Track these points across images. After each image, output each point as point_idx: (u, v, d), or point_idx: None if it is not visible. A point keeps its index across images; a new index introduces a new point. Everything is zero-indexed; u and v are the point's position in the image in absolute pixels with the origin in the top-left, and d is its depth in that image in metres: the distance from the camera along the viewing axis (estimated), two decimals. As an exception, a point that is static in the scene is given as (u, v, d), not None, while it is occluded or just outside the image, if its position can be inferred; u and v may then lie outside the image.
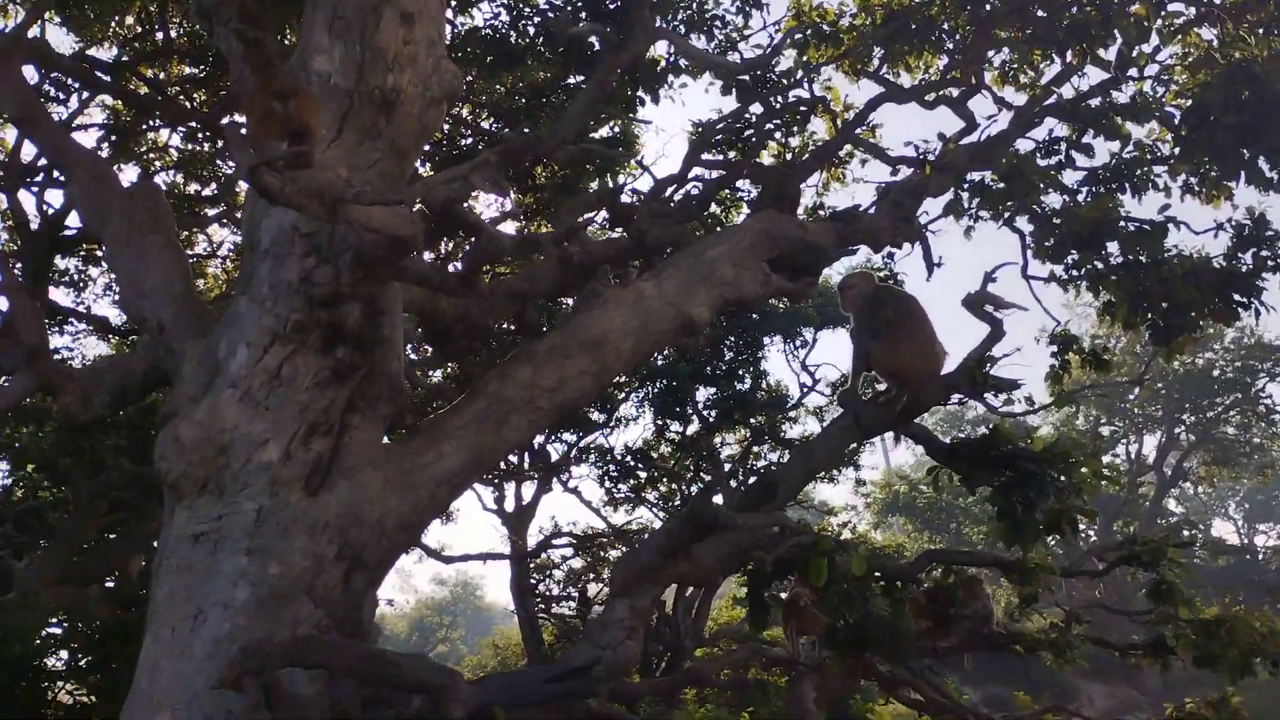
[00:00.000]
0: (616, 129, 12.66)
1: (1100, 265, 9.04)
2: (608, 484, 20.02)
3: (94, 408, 5.88)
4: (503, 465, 20.47)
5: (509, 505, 21.08)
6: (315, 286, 5.43)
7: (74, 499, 12.67)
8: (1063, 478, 5.12)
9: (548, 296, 7.54)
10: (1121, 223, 8.92)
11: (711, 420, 19.32)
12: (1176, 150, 8.89)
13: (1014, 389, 5.77)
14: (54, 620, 10.50)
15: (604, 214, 10.57)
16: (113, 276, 12.52)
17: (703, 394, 19.34)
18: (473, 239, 5.84)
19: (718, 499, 20.01)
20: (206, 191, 13.73)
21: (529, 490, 21.11)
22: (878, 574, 6.20)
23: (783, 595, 7.43)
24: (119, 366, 6.17)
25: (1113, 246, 8.99)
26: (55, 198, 12.49)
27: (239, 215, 13.83)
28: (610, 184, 11.17)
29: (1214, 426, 34.65)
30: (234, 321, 5.75)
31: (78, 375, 5.98)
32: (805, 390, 20.04)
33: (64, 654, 9.89)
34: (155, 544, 12.05)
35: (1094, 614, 8.95)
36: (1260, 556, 42.43)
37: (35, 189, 11.87)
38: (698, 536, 4.93)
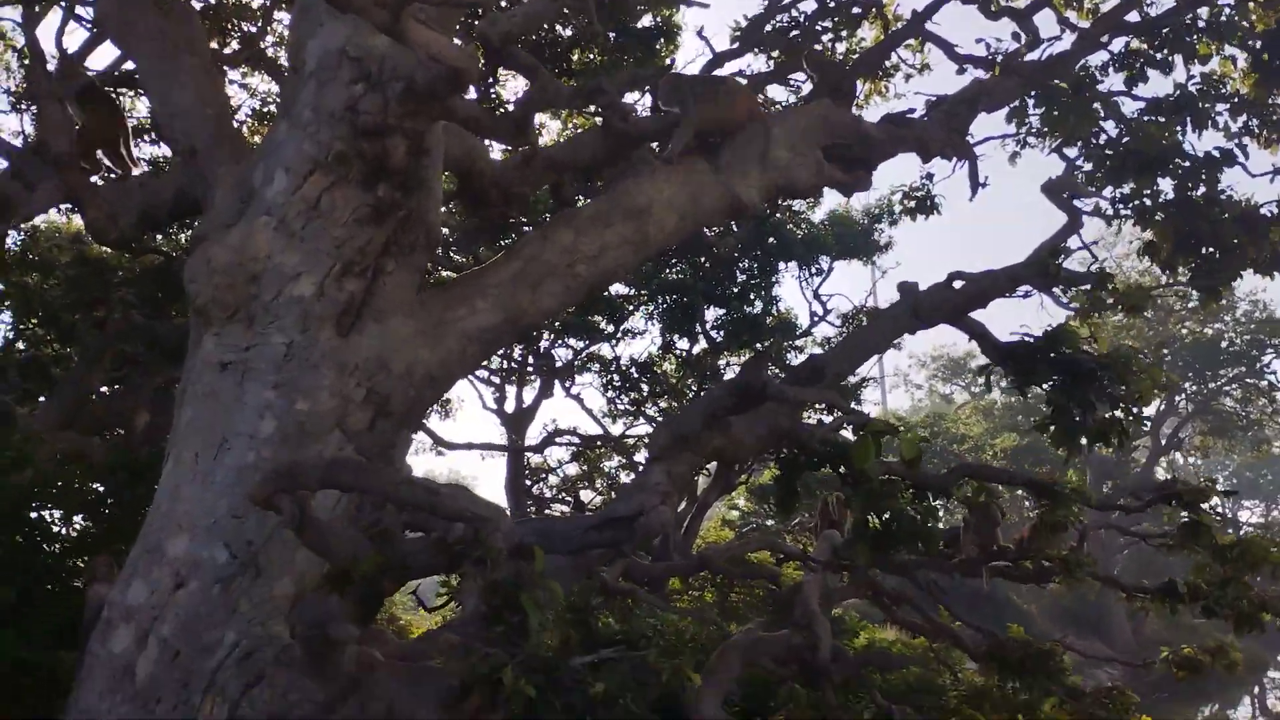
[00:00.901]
0: (658, 19, 12.24)
1: (1150, 201, 8.80)
2: (610, 394, 19.92)
3: (120, 228, 5.68)
4: (505, 365, 20.39)
5: (509, 406, 21.02)
6: (361, 115, 5.19)
7: (80, 351, 12.52)
8: (1122, 386, 4.98)
9: (588, 169, 7.29)
10: (1179, 158, 8.65)
11: (719, 341, 19.16)
12: (1247, 84, 8.57)
13: (1089, 283, 5.57)
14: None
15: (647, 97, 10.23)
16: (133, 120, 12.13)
17: (712, 314, 19.14)
18: (529, 82, 5.57)
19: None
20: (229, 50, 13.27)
21: (530, 394, 21.04)
22: (907, 483, 6.10)
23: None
24: (148, 188, 5.96)
25: (1165, 184, 8.76)
26: (73, 41, 12.05)
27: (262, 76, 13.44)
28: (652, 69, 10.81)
29: (1214, 398, 34.67)
30: (272, 147, 5.52)
31: (105, 192, 5.76)
32: (815, 319, 19.88)
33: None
34: (160, 398, 11.95)
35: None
36: (1241, 532, 42.95)
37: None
38: (741, 407, 4.80)
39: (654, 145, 6.77)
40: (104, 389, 12.95)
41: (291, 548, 5.39)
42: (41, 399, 13.28)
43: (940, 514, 6.24)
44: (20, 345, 14.96)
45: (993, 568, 7.81)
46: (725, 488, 21.84)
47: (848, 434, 5.54)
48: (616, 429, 20.55)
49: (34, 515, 7.37)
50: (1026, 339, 5.41)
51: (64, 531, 7.55)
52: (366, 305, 5.57)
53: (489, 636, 3.47)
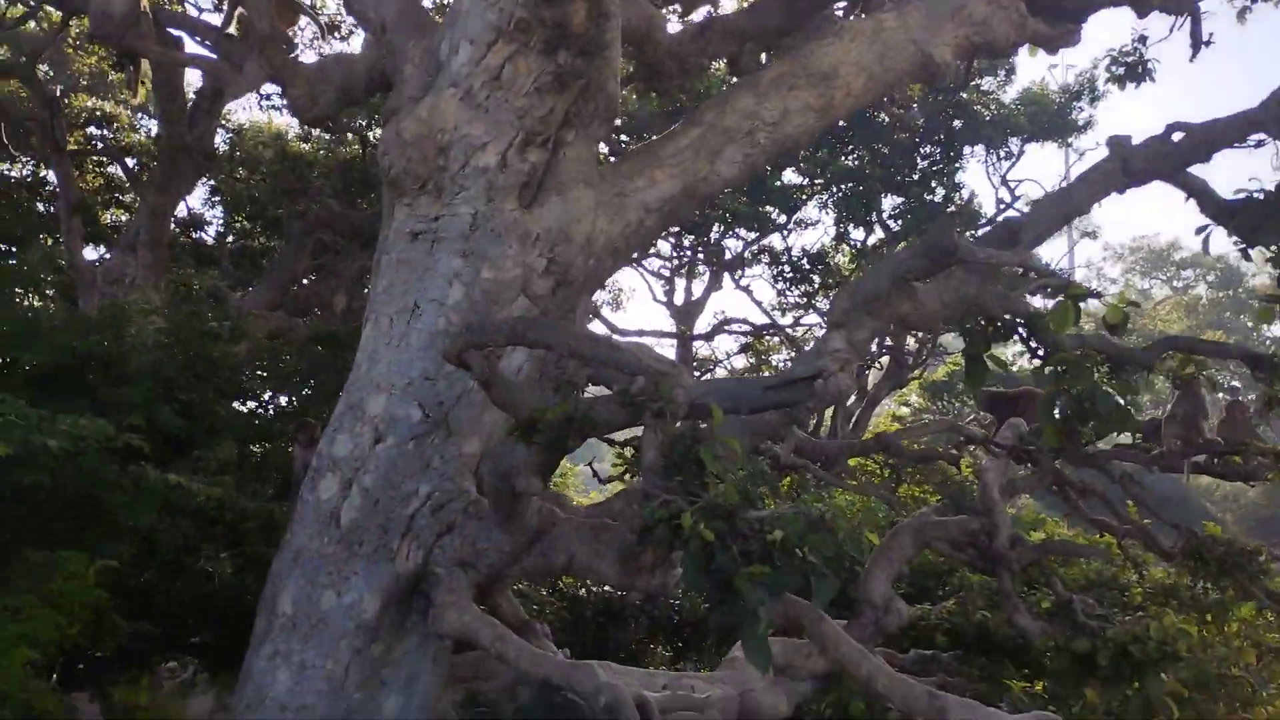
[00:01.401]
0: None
1: None
2: (780, 286, 19.64)
3: (320, 104, 5.94)
4: (676, 256, 20.42)
5: (678, 299, 21.14)
6: (542, -21, 5.16)
7: (285, 239, 13.41)
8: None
9: (768, 36, 7.02)
10: None
11: (896, 230, 18.42)
12: None
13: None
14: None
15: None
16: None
17: (889, 202, 18.38)
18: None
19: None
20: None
21: (699, 287, 21.07)
22: (1104, 358, 5.73)
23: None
24: (344, 64, 6.19)
25: None
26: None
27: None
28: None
29: None
30: (457, 19, 5.59)
31: (306, 70, 6.02)
32: (1002, 207, 18.77)
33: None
34: (357, 284, 12.70)
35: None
36: None
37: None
38: (930, 270, 4.61)
39: (839, 9, 6.45)
40: (306, 276, 13.88)
41: (479, 411, 5.68)
42: (251, 286, 14.38)
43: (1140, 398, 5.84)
44: (230, 238, 16.19)
45: (1195, 463, 7.29)
46: (897, 383, 21.43)
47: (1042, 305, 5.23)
48: (785, 322, 20.34)
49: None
50: (1256, 193, 4.86)
51: (274, 398, 8.21)
52: (548, 177, 5.65)
53: (668, 486, 3.55)
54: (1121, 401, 5.43)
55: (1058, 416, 5.10)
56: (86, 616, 5.12)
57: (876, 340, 20.75)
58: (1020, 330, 5.03)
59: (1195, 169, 5.33)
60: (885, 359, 21.17)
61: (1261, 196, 4.87)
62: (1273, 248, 4.72)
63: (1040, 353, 5.89)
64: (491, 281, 5.46)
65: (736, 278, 20.28)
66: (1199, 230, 5.51)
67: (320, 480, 5.50)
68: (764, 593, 3.14)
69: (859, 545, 5.18)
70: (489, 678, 6.28)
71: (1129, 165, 5.20)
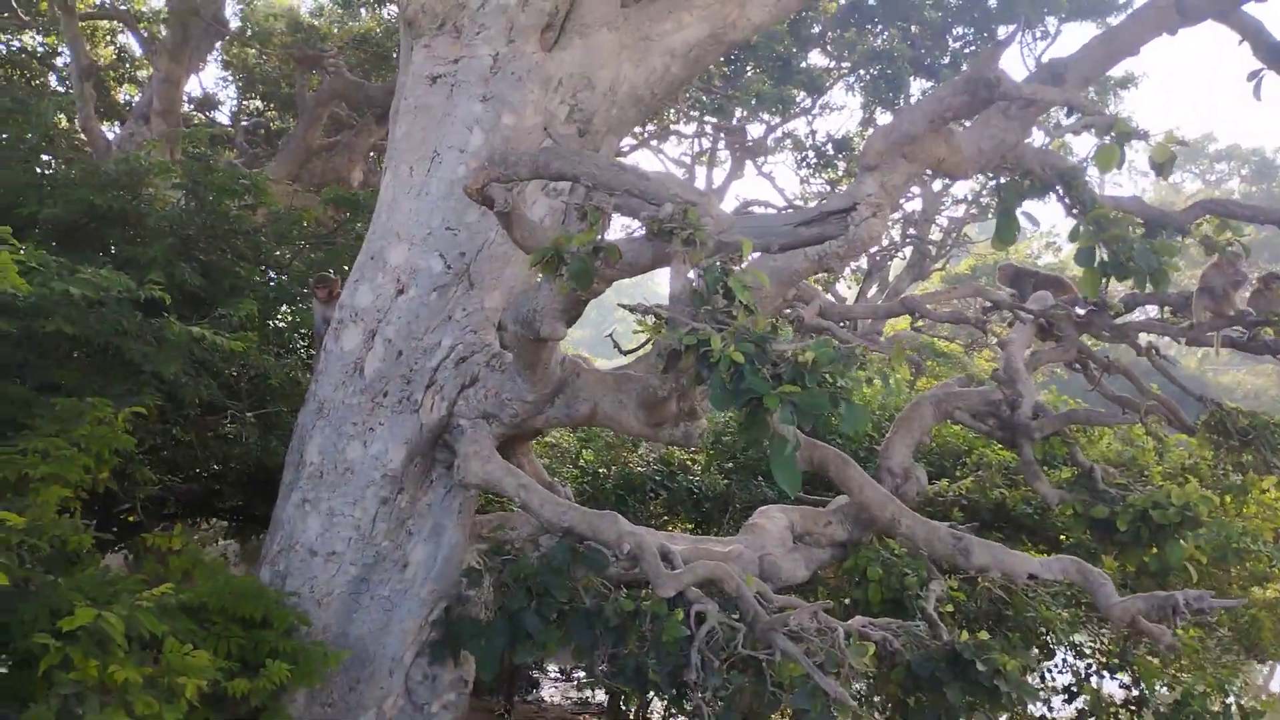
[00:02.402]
0: None
1: None
2: (803, 173, 19.25)
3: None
4: (696, 141, 20.01)
5: (699, 186, 20.80)
6: None
7: (298, 114, 13.17)
8: None
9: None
10: None
11: (924, 116, 17.88)
12: None
13: None
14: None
15: None
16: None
17: (919, 85, 17.80)
18: None
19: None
20: None
21: (720, 175, 20.69)
22: (1138, 218, 5.56)
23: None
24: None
25: None
26: None
27: None
28: None
29: None
30: None
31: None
32: (1036, 91, 18.15)
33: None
34: (372, 159, 12.52)
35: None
36: None
37: None
38: (970, 108, 4.42)
39: None
40: (321, 151, 13.68)
41: (501, 264, 5.61)
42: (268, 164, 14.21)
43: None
44: (244, 120, 15.93)
45: (1226, 335, 7.16)
46: (919, 274, 21.19)
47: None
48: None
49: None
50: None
51: (292, 262, 8.14)
52: (570, 18, 5.43)
53: (696, 315, 3.48)
54: (1159, 261, 5.29)
55: (1095, 267, 4.95)
56: (115, 464, 5.17)
57: (900, 229, 20.50)
58: (1057, 187, 4.85)
59: (1251, 8, 5.04)
60: (908, 250, 20.93)
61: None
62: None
63: (1075, 210, 5.74)
64: (512, 128, 5.31)
65: (759, 164, 19.89)
66: (1251, 75, 5.25)
67: (343, 331, 5.47)
68: (793, 412, 3.10)
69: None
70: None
71: (1182, 2, 4.91)
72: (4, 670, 4.29)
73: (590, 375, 5.26)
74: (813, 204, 20.14)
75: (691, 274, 3.63)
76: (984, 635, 5.83)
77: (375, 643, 5.31)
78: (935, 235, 20.36)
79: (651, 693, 9.19)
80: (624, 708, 11.41)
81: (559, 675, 15.52)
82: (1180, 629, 7.49)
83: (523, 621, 5.06)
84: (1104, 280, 5.63)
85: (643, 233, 3.93)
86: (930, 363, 15.06)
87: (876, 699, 8.23)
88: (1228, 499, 8.65)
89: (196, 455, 7.08)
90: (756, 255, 4.45)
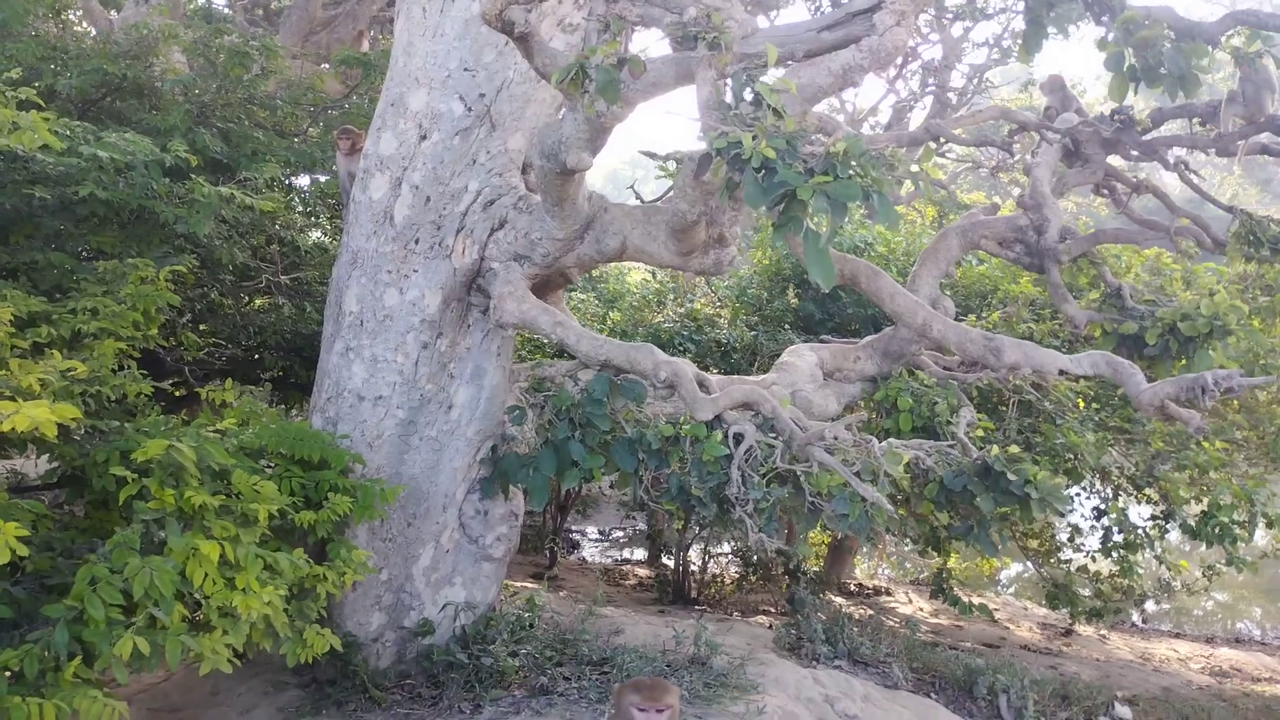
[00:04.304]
0: None
1: None
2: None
3: None
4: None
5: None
6: None
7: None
8: None
9: None
10: None
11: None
12: None
13: None
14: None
15: None
16: None
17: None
18: None
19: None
20: None
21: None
22: (1168, 27, 5.42)
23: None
24: None
25: None
26: None
27: None
28: None
29: None
30: None
31: None
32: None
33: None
34: (379, 27, 12.24)
35: None
36: None
37: None
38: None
39: None
40: (324, 26, 13.37)
41: (522, 105, 5.58)
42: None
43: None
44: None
45: (1256, 143, 7.05)
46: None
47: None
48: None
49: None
50: None
51: (308, 129, 8.12)
52: None
53: (725, 119, 3.48)
54: (1189, 64, 5.19)
55: (1124, 72, 4.87)
56: (161, 321, 5.31)
57: (921, 76, 19.94)
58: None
59: None
60: (928, 100, 20.37)
61: None
62: None
63: (1105, 18, 5.60)
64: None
65: (771, 17, 19.23)
66: None
67: (370, 180, 5.51)
68: (826, 202, 3.14)
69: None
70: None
71: None
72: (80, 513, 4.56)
73: (618, 209, 5.30)
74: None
75: (718, 82, 3.61)
76: (1014, 449, 5.99)
77: (428, 481, 5.54)
78: (957, 81, 19.77)
79: (693, 521, 9.55)
80: (663, 559, 11.88)
81: (599, 536, 16.15)
82: (1206, 442, 7.66)
83: (568, 450, 5.25)
84: (1132, 87, 5.55)
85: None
86: (952, 216, 14.90)
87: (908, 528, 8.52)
88: (1255, 321, 8.66)
89: (235, 322, 7.25)
90: (781, 72, 4.40)
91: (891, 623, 9.04)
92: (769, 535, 4.88)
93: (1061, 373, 5.21)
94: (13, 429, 3.55)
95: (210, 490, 4.05)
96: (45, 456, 4.56)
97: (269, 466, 4.83)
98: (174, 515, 3.86)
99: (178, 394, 7.65)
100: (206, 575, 3.75)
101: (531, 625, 5.92)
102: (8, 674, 3.32)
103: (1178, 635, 12.15)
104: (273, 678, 5.52)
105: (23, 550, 3.34)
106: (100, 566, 3.52)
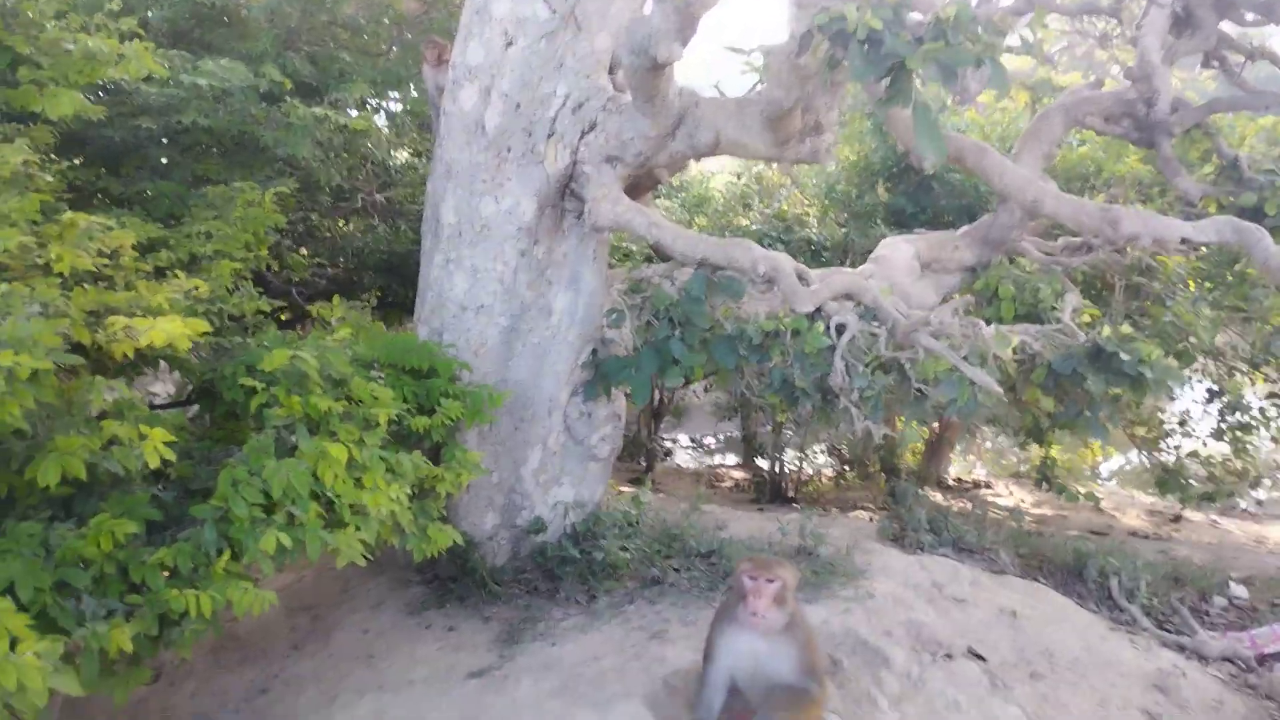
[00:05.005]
0: None
1: None
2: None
3: None
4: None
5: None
6: None
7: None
8: None
9: None
10: None
11: None
12: None
13: None
14: None
15: None
16: None
17: None
18: None
19: None
20: None
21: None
22: None
23: None
24: None
25: None
26: None
27: None
28: None
29: None
30: None
31: None
32: None
33: None
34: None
35: None
36: None
37: None
38: None
39: None
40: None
41: (605, 2, 5.49)
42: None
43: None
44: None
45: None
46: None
47: None
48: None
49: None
50: None
51: (391, 49, 8.13)
52: None
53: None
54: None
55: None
56: (270, 242, 5.49)
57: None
58: None
59: None
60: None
61: None
62: None
63: None
64: None
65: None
66: None
67: (460, 91, 5.52)
68: (937, 71, 3.04)
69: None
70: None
71: None
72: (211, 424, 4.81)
73: (710, 103, 5.22)
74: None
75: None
76: (1126, 329, 5.81)
77: (532, 386, 5.67)
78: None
79: (790, 420, 9.57)
80: (758, 461, 11.98)
81: (692, 444, 16.36)
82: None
83: (668, 349, 5.30)
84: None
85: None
86: (1046, 100, 14.23)
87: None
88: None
89: (335, 244, 7.43)
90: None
91: (995, 514, 9.00)
92: (875, 423, 4.88)
93: (1184, 241, 5.00)
94: (149, 344, 3.76)
95: (332, 397, 4.22)
96: (174, 375, 4.80)
97: (380, 377, 5.00)
98: (302, 421, 4.05)
99: (284, 316, 7.94)
100: (336, 476, 3.94)
101: (638, 522, 6.08)
102: (164, 571, 3.57)
103: (1293, 520, 11.81)
104: (398, 575, 5.82)
105: (169, 455, 3.56)
106: (240, 469, 3.73)
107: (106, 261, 4.24)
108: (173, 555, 3.56)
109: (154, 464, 3.52)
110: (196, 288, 4.39)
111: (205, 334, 4.19)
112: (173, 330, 3.70)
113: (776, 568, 3.47)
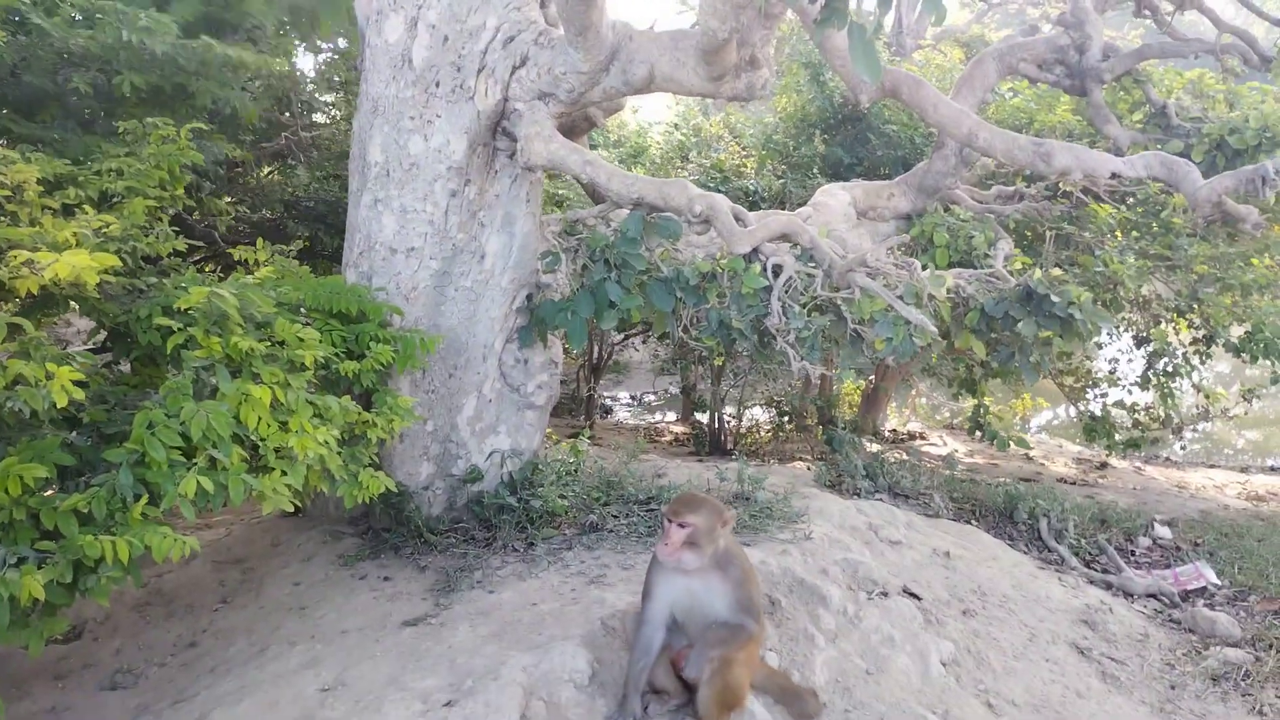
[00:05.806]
0: None
1: None
2: None
3: None
4: None
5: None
6: None
7: None
8: None
9: None
10: None
11: None
12: None
13: None
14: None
15: None
16: None
17: None
18: None
19: None
20: None
21: None
22: None
23: None
24: None
25: None
26: None
27: None
28: None
29: None
30: None
31: None
32: None
33: None
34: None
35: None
36: None
37: None
38: None
39: None
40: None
41: (536, -67, 5.31)
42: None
43: None
44: None
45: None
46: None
47: None
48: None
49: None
50: None
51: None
52: None
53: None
54: None
55: None
56: (186, 180, 5.24)
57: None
58: None
59: None
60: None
61: None
62: None
63: None
64: None
65: None
66: None
67: (385, 22, 5.30)
68: (875, -10, 2.97)
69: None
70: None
71: None
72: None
73: (644, 36, 5.09)
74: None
75: None
76: (1057, 273, 5.89)
77: (466, 332, 5.54)
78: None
79: (729, 370, 9.57)
80: (696, 416, 12.00)
81: (631, 401, 16.36)
82: (1254, 259, 7.50)
83: (604, 292, 5.21)
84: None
85: None
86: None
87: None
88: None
89: (261, 190, 7.16)
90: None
91: (929, 463, 9.14)
92: (811, 364, 4.86)
93: (1114, 176, 5.04)
94: (54, 278, 3.55)
95: (255, 339, 4.05)
96: (87, 320, 4.57)
97: (307, 322, 4.83)
98: (222, 362, 3.88)
99: (206, 265, 7.66)
100: (260, 419, 3.78)
101: (576, 470, 6.02)
102: (77, 518, 3.40)
103: (1212, 466, 12.24)
104: (331, 528, 5.68)
105: (78, 394, 3.38)
106: (157, 411, 3.56)
107: (9, 194, 3.99)
108: (86, 501, 3.39)
109: (61, 403, 3.34)
110: (108, 224, 4.16)
111: (117, 273, 3.98)
112: (79, 263, 3.50)
113: (699, 508, 3.42)
